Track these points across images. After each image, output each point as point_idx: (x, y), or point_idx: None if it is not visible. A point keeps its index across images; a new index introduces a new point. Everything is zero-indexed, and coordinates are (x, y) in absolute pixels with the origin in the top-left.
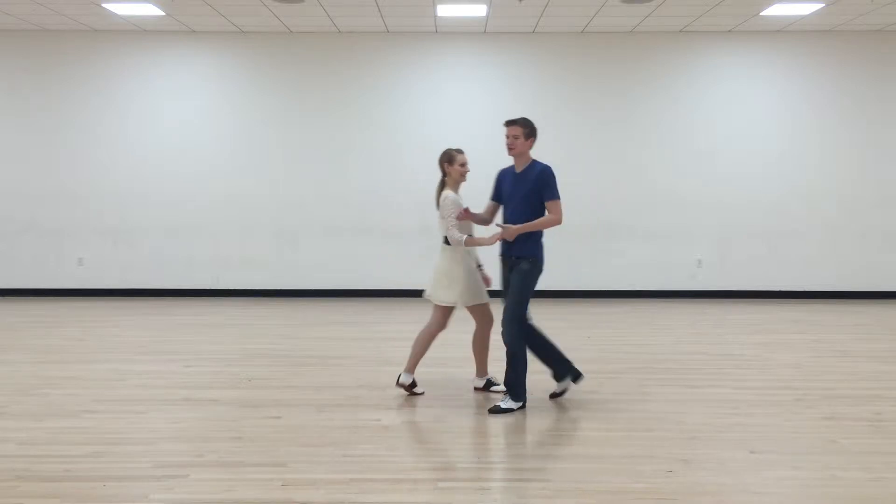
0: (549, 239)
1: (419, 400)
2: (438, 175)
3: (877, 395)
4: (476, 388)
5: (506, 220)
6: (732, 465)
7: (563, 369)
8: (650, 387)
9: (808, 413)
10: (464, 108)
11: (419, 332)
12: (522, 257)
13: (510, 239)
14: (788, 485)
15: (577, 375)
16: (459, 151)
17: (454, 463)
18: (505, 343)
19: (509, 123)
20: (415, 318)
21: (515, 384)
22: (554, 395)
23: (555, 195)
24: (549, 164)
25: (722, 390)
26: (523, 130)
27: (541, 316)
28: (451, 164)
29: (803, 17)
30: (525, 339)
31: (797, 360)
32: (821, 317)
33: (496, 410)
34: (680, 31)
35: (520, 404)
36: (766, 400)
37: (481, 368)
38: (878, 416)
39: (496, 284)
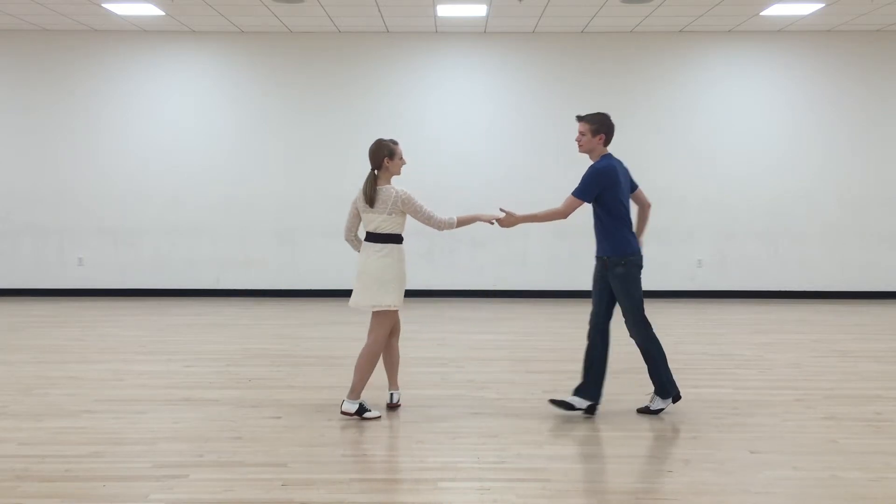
0: (549, 238)
1: (419, 400)
2: (369, 169)
3: (877, 395)
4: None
5: None
6: (732, 465)
7: (591, 391)
8: (650, 387)
9: (808, 413)
10: (464, 109)
11: (361, 353)
12: (612, 260)
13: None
14: (788, 485)
15: (594, 405)
16: (395, 143)
17: (454, 463)
18: (638, 345)
19: (579, 119)
20: (414, 318)
21: (662, 381)
22: (555, 402)
23: (576, 190)
24: (607, 164)
25: (722, 390)
26: (590, 127)
27: (543, 316)
28: (392, 159)
29: (803, 18)
30: (598, 340)
31: (797, 360)
32: (821, 317)
33: (648, 411)
34: (680, 31)
35: (668, 401)
36: (766, 400)
37: (393, 380)
38: (878, 416)
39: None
